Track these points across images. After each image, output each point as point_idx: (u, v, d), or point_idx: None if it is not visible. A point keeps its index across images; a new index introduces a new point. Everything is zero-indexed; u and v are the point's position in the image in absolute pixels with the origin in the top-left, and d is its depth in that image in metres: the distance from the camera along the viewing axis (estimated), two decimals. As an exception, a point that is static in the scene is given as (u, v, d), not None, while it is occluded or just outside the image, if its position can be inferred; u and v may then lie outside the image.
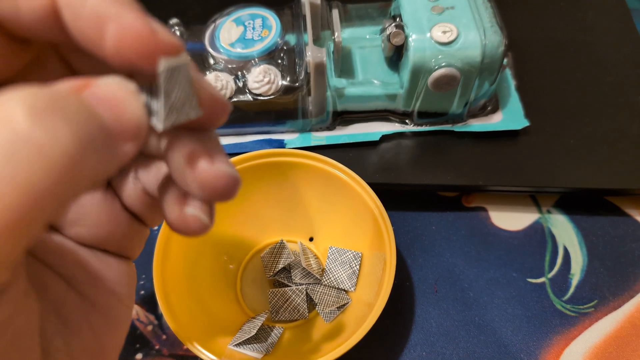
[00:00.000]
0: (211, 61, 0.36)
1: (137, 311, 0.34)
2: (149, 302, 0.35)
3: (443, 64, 0.32)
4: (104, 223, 0.16)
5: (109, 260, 0.17)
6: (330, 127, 0.37)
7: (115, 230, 0.16)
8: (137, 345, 0.33)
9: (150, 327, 0.34)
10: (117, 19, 0.12)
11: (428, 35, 0.32)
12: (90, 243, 0.16)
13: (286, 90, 0.34)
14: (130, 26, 0.12)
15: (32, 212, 0.10)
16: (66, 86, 0.11)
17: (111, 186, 0.17)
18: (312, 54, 0.32)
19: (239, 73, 0.35)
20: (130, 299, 0.17)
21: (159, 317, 0.34)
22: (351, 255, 0.33)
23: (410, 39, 0.33)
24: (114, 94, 0.12)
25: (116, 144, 0.12)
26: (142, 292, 0.35)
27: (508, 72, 0.39)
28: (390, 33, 0.33)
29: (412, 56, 0.32)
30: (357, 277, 0.33)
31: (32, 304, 0.13)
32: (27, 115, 0.09)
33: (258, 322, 0.31)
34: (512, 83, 0.39)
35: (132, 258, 0.18)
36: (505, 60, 0.39)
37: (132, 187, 0.16)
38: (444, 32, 0.32)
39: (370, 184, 0.32)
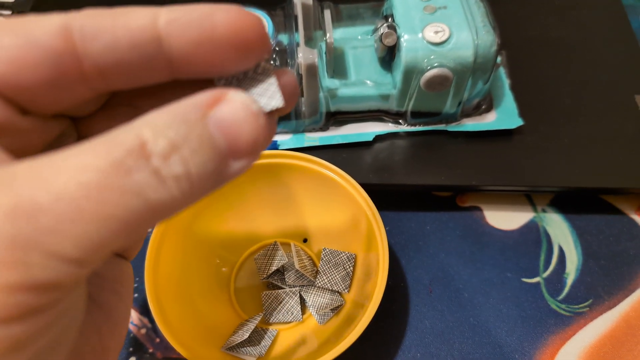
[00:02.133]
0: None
1: (130, 315, 0.34)
2: (142, 306, 0.35)
3: (435, 64, 0.32)
4: None
5: (113, 260, 0.17)
6: (324, 128, 0.37)
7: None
8: (131, 349, 0.33)
9: (144, 331, 0.34)
10: (224, 9, 0.12)
11: (420, 35, 0.32)
12: None
13: (278, 91, 0.34)
14: (238, 11, 0.12)
15: (146, 222, 0.11)
16: (195, 103, 0.12)
17: None
18: (303, 56, 0.32)
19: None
20: (130, 298, 0.17)
21: (152, 320, 0.34)
22: (345, 256, 0.33)
23: (402, 39, 0.32)
24: (237, 117, 0.12)
25: (228, 164, 0.12)
26: (136, 294, 0.35)
27: (502, 71, 0.39)
28: (382, 33, 0.33)
29: (404, 56, 0.32)
30: (351, 279, 0.33)
31: (82, 303, 0.14)
32: (159, 153, 0.11)
33: (251, 325, 0.31)
34: (506, 82, 0.39)
35: (130, 258, 0.18)
36: (499, 59, 0.39)
37: None
38: (436, 32, 0.32)
39: (364, 185, 0.32)
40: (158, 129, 0.11)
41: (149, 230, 0.36)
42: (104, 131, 0.12)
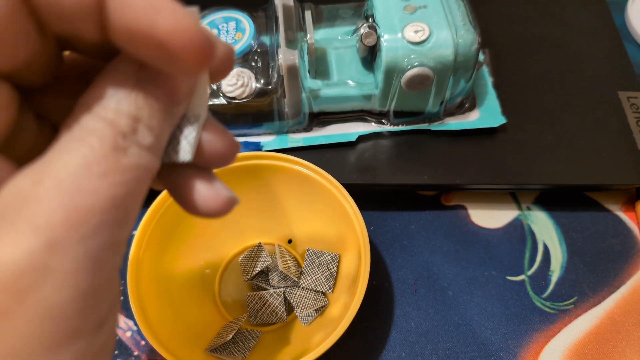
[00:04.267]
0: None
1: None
2: (128, 308, 0.35)
3: (416, 64, 0.32)
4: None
5: None
6: (307, 129, 0.37)
7: None
8: (116, 352, 0.33)
9: (129, 333, 0.34)
10: (173, 12, 0.12)
11: (400, 35, 0.32)
12: None
13: (260, 92, 0.34)
14: (186, 22, 0.12)
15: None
16: (123, 75, 0.13)
17: None
18: (284, 57, 0.32)
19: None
20: None
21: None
22: (329, 257, 0.33)
23: (382, 39, 0.32)
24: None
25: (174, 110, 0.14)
26: (122, 298, 0.35)
27: (485, 69, 0.39)
28: (362, 34, 0.33)
29: (385, 56, 0.32)
30: (335, 279, 0.33)
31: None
32: (113, 126, 0.13)
33: (235, 327, 0.31)
34: (489, 80, 0.39)
35: None
36: (482, 57, 0.39)
37: None
38: (416, 32, 0.32)
39: (348, 185, 0.32)
40: (114, 112, 0.12)
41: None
42: (59, 107, 0.15)
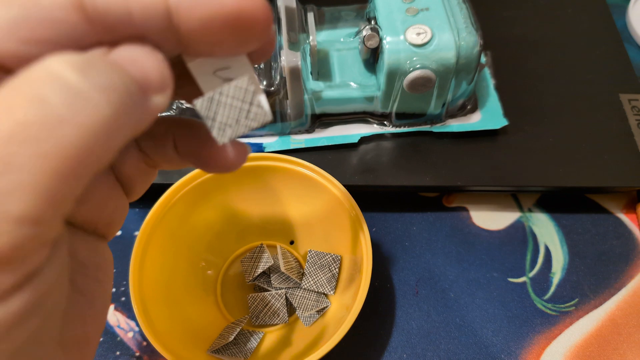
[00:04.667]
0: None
1: (117, 318, 0.34)
2: (129, 309, 0.35)
3: (418, 66, 0.32)
4: (100, 198, 0.16)
5: (93, 243, 0.16)
6: (310, 130, 0.37)
7: (108, 205, 0.16)
8: (118, 352, 0.33)
9: (131, 334, 0.34)
10: None
11: (402, 37, 0.32)
12: (82, 223, 0.16)
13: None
14: None
15: (89, 155, 0.11)
16: (95, 52, 0.12)
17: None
18: (286, 59, 0.32)
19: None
20: (109, 284, 0.17)
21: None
22: (330, 258, 0.33)
23: (384, 41, 0.33)
24: (135, 53, 0.12)
25: (147, 96, 0.12)
26: (123, 298, 0.35)
27: (487, 71, 0.39)
28: (365, 36, 0.33)
29: (387, 58, 0.32)
30: (337, 280, 0.33)
31: (65, 284, 0.13)
32: (73, 72, 0.11)
33: (237, 328, 0.31)
34: (491, 82, 0.39)
35: (109, 237, 0.17)
36: (483, 60, 0.39)
37: (133, 154, 0.17)
38: (418, 34, 0.32)
39: (350, 186, 0.32)
40: (66, 58, 0.11)
41: (129, 237, 0.36)
42: None
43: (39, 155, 0.10)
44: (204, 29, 0.13)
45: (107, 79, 0.11)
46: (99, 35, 0.12)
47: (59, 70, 0.11)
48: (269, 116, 0.15)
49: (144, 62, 0.12)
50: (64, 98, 0.10)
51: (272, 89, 0.34)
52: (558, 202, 0.38)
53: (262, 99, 0.15)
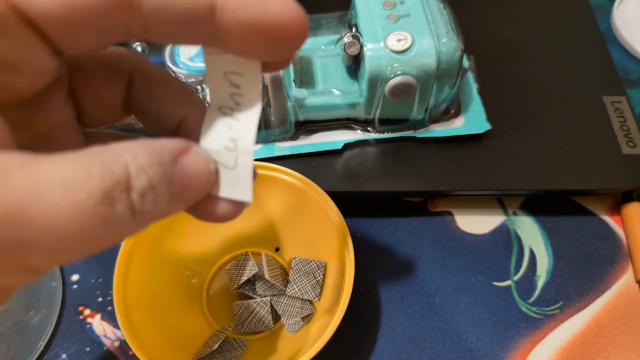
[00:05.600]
0: (171, 76, 0.36)
1: (104, 327, 0.34)
2: (115, 319, 0.35)
3: (399, 72, 0.32)
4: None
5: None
6: (294, 137, 0.37)
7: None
8: (104, 362, 0.33)
9: (117, 343, 0.34)
10: None
11: (382, 44, 0.32)
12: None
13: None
14: (291, 3, 0.13)
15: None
16: (170, 148, 0.13)
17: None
18: (267, 67, 0.32)
19: (199, 87, 0.35)
20: None
21: (126, 333, 0.34)
22: (315, 265, 0.34)
23: (365, 48, 0.33)
24: (196, 170, 0.14)
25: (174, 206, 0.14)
26: (109, 308, 0.35)
27: (470, 76, 0.39)
28: (346, 43, 0.33)
29: (368, 65, 0.33)
30: (321, 287, 0.33)
31: None
32: (137, 194, 0.12)
33: (221, 336, 0.31)
34: (474, 86, 0.39)
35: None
36: (466, 64, 0.39)
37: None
38: (399, 40, 0.32)
39: (334, 192, 0.32)
40: (141, 165, 0.12)
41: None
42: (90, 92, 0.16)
43: (80, 237, 0.12)
44: (243, 31, 0.13)
45: (157, 207, 0.13)
46: (136, 15, 0.13)
47: (131, 179, 0.12)
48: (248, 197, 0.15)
49: (195, 178, 0.14)
50: (122, 208, 0.12)
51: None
52: (543, 204, 0.38)
53: (248, 177, 0.15)
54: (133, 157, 0.12)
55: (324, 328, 0.30)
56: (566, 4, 0.44)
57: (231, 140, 0.15)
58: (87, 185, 0.11)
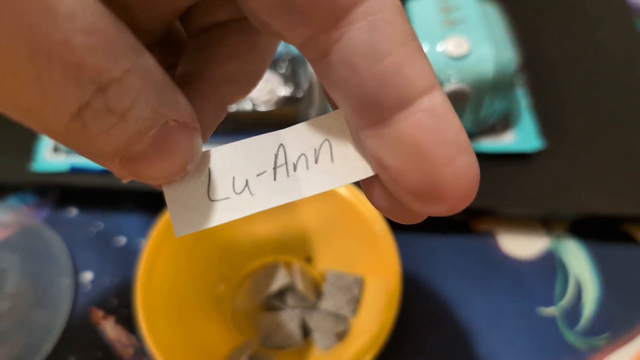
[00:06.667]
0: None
1: (117, 332, 0.32)
2: (130, 323, 0.32)
3: (453, 79, 0.31)
4: None
5: None
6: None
7: None
8: (117, 370, 0.31)
9: (131, 350, 0.31)
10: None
11: (438, 47, 0.31)
12: None
13: (287, 101, 0.32)
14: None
15: None
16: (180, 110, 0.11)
17: None
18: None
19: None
20: None
21: (140, 339, 0.32)
22: (351, 279, 0.31)
23: (420, 51, 0.31)
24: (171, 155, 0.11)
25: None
26: (126, 311, 0.33)
27: (520, 91, 0.38)
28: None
29: (422, 69, 0.31)
30: (358, 303, 0.31)
31: None
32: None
33: (247, 350, 0.29)
34: (524, 102, 0.37)
35: None
36: (518, 78, 0.38)
37: None
38: (456, 46, 0.31)
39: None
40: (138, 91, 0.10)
41: (134, 248, 0.34)
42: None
43: None
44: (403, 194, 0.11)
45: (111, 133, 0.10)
46: None
47: None
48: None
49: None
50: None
51: (299, 95, 0.32)
52: (591, 230, 0.36)
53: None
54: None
55: (359, 349, 0.28)
56: (614, 26, 0.42)
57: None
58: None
